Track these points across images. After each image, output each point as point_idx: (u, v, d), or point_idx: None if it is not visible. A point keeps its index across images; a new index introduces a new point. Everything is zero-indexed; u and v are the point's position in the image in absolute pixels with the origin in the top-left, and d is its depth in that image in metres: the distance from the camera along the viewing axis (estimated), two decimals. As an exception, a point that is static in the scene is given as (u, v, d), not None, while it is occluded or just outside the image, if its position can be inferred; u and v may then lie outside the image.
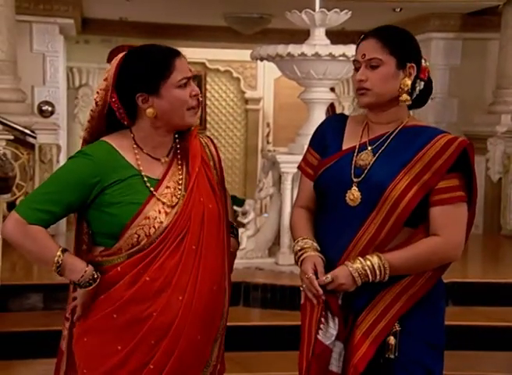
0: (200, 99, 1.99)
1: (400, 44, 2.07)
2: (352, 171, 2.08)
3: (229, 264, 2.10)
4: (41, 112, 6.58)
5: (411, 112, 2.19)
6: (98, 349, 1.95)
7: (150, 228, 1.92)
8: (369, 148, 2.10)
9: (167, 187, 1.98)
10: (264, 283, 4.83)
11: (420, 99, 2.15)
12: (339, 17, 5.29)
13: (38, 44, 7.58)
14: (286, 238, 5.27)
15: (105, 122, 2.02)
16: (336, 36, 5.97)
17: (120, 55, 1.98)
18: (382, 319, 2.01)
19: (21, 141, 6.54)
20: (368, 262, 1.98)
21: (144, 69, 1.94)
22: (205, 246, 1.96)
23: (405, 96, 2.06)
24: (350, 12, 5.30)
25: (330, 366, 2.02)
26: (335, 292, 2.03)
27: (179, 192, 1.98)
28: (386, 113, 2.10)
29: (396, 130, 2.10)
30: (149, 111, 1.95)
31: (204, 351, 2.00)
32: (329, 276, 2.00)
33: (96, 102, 1.99)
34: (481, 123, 7.54)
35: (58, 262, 1.89)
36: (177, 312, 1.92)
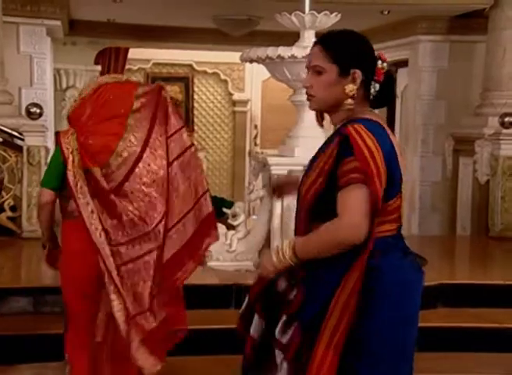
0: None
1: (342, 52, 2.12)
2: None
3: None
4: (29, 114, 6.53)
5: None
6: None
7: None
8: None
9: None
10: (255, 286, 4.81)
11: (383, 99, 2.18)
12: (328, 20, 5.30)
13: (25, 46, 7.53)
14: (276, 240, 5.25)
15: None
16: (325, 38, 5.97)
17: None
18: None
19: (9, 143, 6.50)
20: (280, 244, 2.15)
21: None
22: None
23: (349, 100, 2.13)
24: (340, 15, 5.32)
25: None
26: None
27: None
28: (336, 115, 2.19)
29: (333, 131, 2.20)
30: None
31: None
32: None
33: None
34: (469, 125, 7.57)
35: None
36: None
